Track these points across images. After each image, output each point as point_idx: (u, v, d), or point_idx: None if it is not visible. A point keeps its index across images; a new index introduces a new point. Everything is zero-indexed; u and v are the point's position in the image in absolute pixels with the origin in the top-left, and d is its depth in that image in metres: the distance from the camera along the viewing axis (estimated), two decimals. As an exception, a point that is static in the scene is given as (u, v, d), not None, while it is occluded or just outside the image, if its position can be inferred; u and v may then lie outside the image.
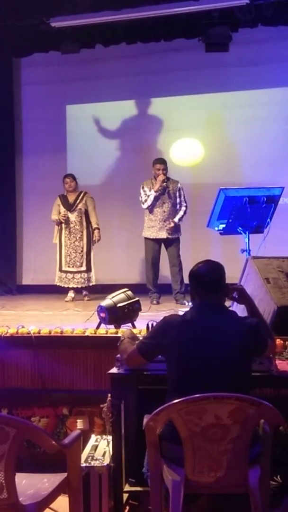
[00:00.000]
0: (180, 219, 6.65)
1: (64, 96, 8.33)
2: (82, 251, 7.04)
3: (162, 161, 6.69)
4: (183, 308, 5.33)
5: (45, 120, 8.35)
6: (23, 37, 7.43)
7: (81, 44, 7.29)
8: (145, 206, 6.64)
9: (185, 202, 6.69)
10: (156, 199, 6.57)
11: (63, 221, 6.99)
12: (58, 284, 7.11)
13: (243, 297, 3.18)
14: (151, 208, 6.61)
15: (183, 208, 6.66)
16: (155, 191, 6.55)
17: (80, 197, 7.09)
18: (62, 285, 7.08)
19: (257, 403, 2.55)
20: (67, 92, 8.29)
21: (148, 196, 6.58)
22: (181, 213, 6.65)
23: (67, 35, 7.13)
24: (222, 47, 6.98)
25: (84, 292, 7.05)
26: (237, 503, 2.81)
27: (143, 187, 6.66)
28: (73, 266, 7.03)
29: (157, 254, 6.74)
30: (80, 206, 7.05)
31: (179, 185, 6.69)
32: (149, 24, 7.09)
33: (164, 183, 6.58)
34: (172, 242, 6.67)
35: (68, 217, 7.01)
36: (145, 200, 6.61)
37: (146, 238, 6.75)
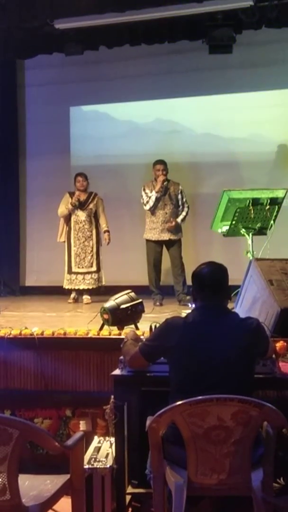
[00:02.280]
0: (182, 220, 6.70)
1: (68, 97, 8.34)
2: (92, 251, 7.01)
3: (162, 162, 6.69)
4: (186, 310, 5.33)
5: (48, 122, 8.35)
6: (27, 39, 7.43)
7: (84, 46, 7.28)
8: (147, 207, 6.65)
9: (187, 204, 6.73)
10: (157, 200, 6.58)
11: (76, 201, 6.91)
12: (67, 287, 7.03)
13: None
14: (153, 210, 6.62)
15: (186, 209, 6.72)
16: (156, 192, 6.56)
17: (91, 198, 7.09)
18: (72, 287, 7.02)
19: (260, 405, 2.55)
20: (71, 93, 8.30)
21: (150, 197, 6.59)
22: (183, 213, 6.70)
23: (70, 37, 7.14)
24: (225, 49, 6.96)
25: (85, 296, 7.02)
26: (240, 506, 2.81)
27: (144, 189, 6.68)
28: (83, 267, 7.00)
29: (159, 256, 6.75)
30: (91, 206, 7.04)
31: (180, 187, 6.73)
32: (153, 26, 7.10)
33: (165, 183, 6.59)
34: (173, 244, 6.69)
35: (80, 200, 6.96)
36: (147, 202, 6.62)
37: (147, 240, 6.76)
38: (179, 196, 6.69)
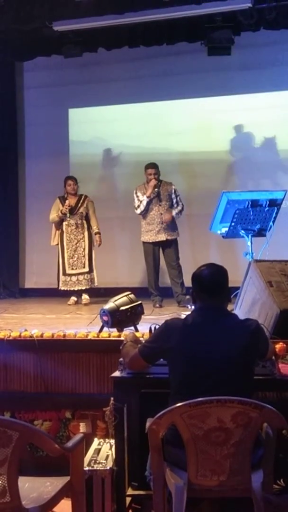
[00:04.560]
0: (177, 214, 6.63)
1: (67, 99, 8.34)
2: (84, 252, 7.03)
3: (153, 166, 6.66)
4: (186, 312, 5.32)
5: (47, 124, 8.36)
6: (26, 41, 7.45)
7: (83, 47, 7.30)
8: (138, 211, 6.65)
9: (181, 202, 6.68)
10: (148, 203, 6.56)
11: (67, 209, 6.91)
12: (63, 288, 7.06)
13: None
14: (144, 213, 6.61)
15: (180, 206, 6.65)
16: (148, 197, 6.55)
17: (81, 201, 7.09)
18: (67, 289, 7.04)
19: (259, 406, 2.55)
20: (70, 95, 8.30)
21: (141, 201, 6.59)
22: (178, 208, 6.64)
23: (69, 39, 7.15)
24: (224, 51, 6.98)
25: (84, 296, 7.04)
26: (240, 507, 2.81)
27: (136, 192, 6.68)
28: (76, 268, 7.02)
29: (157, 257, 6.71)
30: (81, 209, 7.04)
31: (173, 187, 6.69)
32: (152, 28, 7.11)
33: (156, 189, 6.56)
34: (170, 244, 6.64)
35: (72, 206, 6.97)
36: (138, 206, 6.62)
37: (144, 243, 6.73)
38: (173, 196, 6.65)
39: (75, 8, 6.36)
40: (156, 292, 6.68)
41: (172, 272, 6.65)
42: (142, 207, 6.59)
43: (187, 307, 6.01)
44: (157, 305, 6.53)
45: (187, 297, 6.38)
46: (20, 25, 6.77)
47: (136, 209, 6.65)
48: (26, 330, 4.50)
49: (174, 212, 6.61)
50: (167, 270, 6.79)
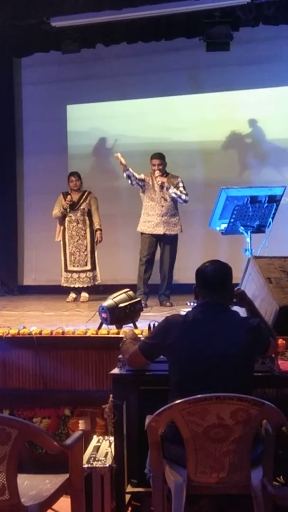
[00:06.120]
0: (176, 195, 6.33)
1: (65, 95, 8.32)
2: (86, 249, 7.01)
3: (158, 156, 6.47)
4: (185, 308, 5.31)
5: (45, 120, 8.33)
6: (24, 37, 7.44)
7: (81, 43, 7.30)
8: (129, 179, 6.43)
9: (186, 193, 6.40)
10: (151, 199, 6.42)
11: (68, 204, 6.89)
12: (64, 285, 7.04)
13: (244, 300, 3.19)
14: (148, 200, 6.42)
15: (183, 195, 6.36)
16: (160, 186, 6.33)
17: (84, 197, 7.07)
18: (68, 285, 7.02)
19: (259, 403, 2.54)
20: (68, 91, 8.28)
21: (139, 178, 6.40)
22: (183, 196, 6.36)
23: (67, 35, 7.14)
24: (223, 46, 6.97)
25: (82, 294, 7.02)
26: (240, 504, 2.80)
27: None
28: (77, 266, 7.01)
29: (152, 252, 6.45)
30: (83, 205, 7.03)
31: (179, 179, 6.46)
32: (150, 24, 7.11)
33: (161, 185, 6.35)
34: (167, 240, 6.41)
35: (73, 202, 6.96)
36: (134, 179, 6.40)
37: (142, 234, 6.50)
38: (180, 187, 6.39)
39: (73, 3, 6.34)
40: (143, 289, 6.37)
41: (162, 271, 6.48)
42: (126, 178, 6.41)
43: (187, 304, 5.94)
44: (143, 303, 6.17)
45: (168, 303, 6.24)
46: (18, 21, 6.76)
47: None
48: (24, 327, 4.49)
49: (173, 189, 6.33)
50: (158, 265, 6.57)
